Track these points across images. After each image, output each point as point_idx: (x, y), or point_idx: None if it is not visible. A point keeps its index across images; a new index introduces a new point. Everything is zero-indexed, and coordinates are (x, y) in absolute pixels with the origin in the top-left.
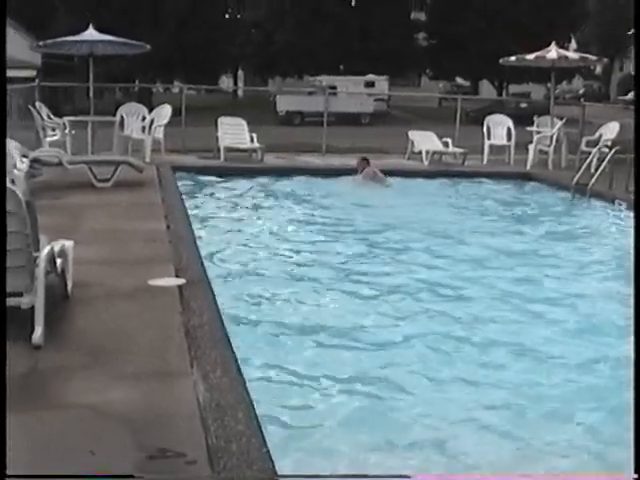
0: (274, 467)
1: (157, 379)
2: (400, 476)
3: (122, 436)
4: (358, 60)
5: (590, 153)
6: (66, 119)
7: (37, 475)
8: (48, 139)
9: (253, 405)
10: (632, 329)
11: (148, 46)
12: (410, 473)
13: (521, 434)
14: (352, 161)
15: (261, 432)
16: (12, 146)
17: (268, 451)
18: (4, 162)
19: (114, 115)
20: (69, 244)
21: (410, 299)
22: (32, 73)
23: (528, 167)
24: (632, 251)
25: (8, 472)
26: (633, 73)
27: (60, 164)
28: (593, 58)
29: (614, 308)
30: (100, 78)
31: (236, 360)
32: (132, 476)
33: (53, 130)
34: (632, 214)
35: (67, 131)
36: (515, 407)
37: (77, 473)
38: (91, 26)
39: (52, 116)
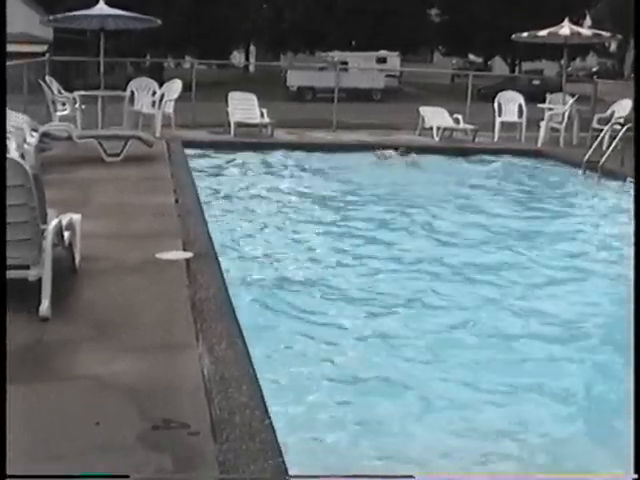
0: (276, 439)
1: (163, 352)
2: (404, 476)
3: (127, 407)
4: (370, 36)
5: (602, 131)
6: (76, 93)
7: (37, 475)
8: (58, 113)
9: (257, 378)
10: (632, 329)
11: (159, 21)
12: (414, 473)
13: None
14: (363, 137)
15: (264, 404)
16: (22, 120)
17: (271, 423)
18: (4, 158)
19: (124, 90)
20: (77, 217)
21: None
22: (43, 48)
23: (539, 144)
24: (632, 250)
25: (8, 471)
26: (633, 74)
27: (70, 138)
28: (606, 35)
29: (620, 285)
30: (111, 53)
31: (241, 333)
32: (127, 476)
33: (63, 104)
34: None
35: (77, 105)
36: None
37: (82, 445)
38: (102, 0)
39: (62, 91)
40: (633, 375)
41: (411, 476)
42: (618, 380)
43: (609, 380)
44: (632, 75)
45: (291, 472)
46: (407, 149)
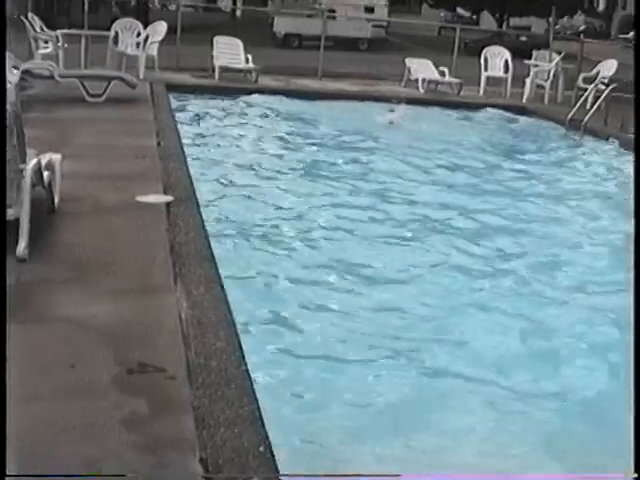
0: (252, 385)
1: (140, 295)
2: (390, 475)
3: (103, 350)
4: None
5: (587, 90)
6: (59, 32)
7: (37, 475)
8: (40, 51)
9: (234, 323)
10: (632, 329)
11: None
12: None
13: None
14: (348, 87)
15: (241, 350)
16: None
17: (247, 369)
18: (4, 154)
19: (109, 30)
20: (57, 157)
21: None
22: None
23: (524, 100)
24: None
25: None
26: (633, 75)
27: (52, 77)
28: None
29: (593, 236)
30: None
31: (220, 278)
32: (123, 475)
33: (46, 43)
34: (624, 151)
35: (60, 44)
36: None
37: (56, 387)
38: None
39: (45, 28)
40: (633, 375)
41: (397, 475)
42: None
43: None
44: (619, 35)
45: None
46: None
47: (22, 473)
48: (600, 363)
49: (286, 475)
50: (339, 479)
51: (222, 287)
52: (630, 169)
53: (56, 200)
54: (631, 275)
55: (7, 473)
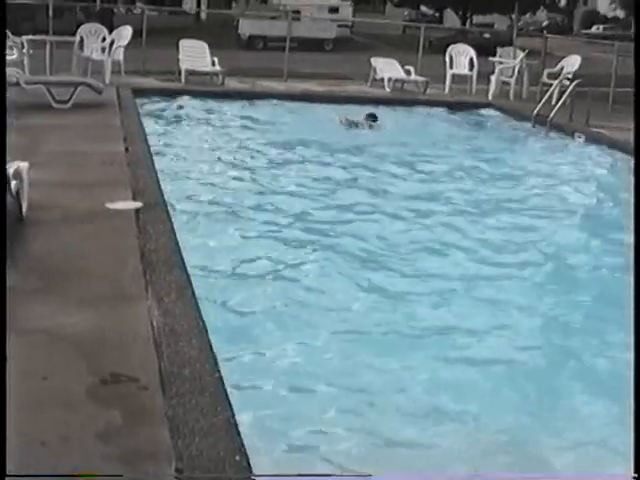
0: (226, 393)
1: (112, 303)
2: (361, 475)
3: (75, 361)
4: None
5: (551, 85)
6: (24, 38)
7: (37, 475)
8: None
9: (207, 330)
10: (632, 329)
11: None
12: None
13: None
14: (314, 87)
15: (214, 357)
16: None
17: (221, 376)
18: (4, 154)
19: (74, 35)
20: (24, 165)
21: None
22: None
23: (490, 97)
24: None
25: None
26: (633, 73)
27: (17, 84)
28: None
29: (559, 229)
30: None
31: (191, 285)
32: (120, 475)
33: (11, 49)
34: (591, 147)
35: (25, 50)
36: None
37: (28, 400)
38: None
39: (10, 34)
40: (633, 375)
41: (369, 475)
42: None
43: None
44: (582, 31)
45: None
46: (373, 116)
47: (22, 473)
48: None
49: (259, 475)
50: (310, 479)
51: (193, 294)
52: (596, 163)
53: (24, 208)
54: (631, 276)
55: (7, 473)
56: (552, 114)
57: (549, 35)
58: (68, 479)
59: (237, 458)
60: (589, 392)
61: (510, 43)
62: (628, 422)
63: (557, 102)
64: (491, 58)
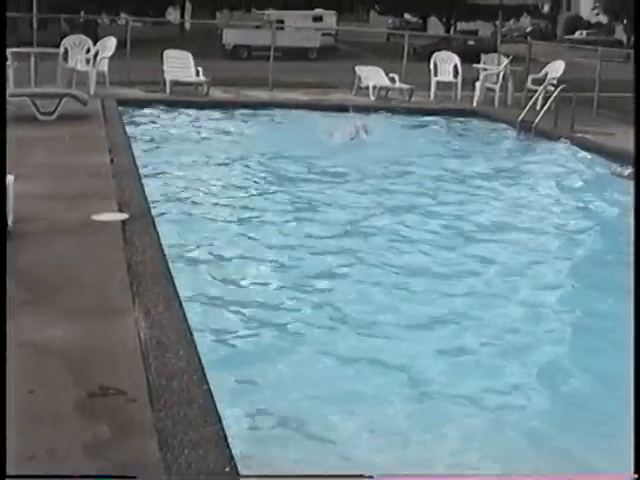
0: (215, 405)
1: (99, 316)
2: (363, 476)
3: (63, 374)
4: None
5: (536, 91)
6: (8, 50)
7: (37, 475)
8: None
9: (194, 342)
10: (632, 330)
11: None
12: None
13: None
14: (299, 96)
15: (202, 369)
16: None
17: (209, 388)
18: (4, 154)
19: (58, 47)
20: (10, 178)
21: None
22: None
23: (474, 104)
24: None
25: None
26: (633, 75)
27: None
28: None
29: (547, 238)
30: (44, 9)
31: (178, 296)
32: (135, 477)
33: None
34: (578, 154)
35: (9, 62)
36: None
37: (15, 414)
38: None
39: None
40: (633, 375)
41: (371, 476)
42: None
43: None
44: (565, 36)
45: None
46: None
47: (22, 473)
48: None
49: (247, 476)
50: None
51: (181, 305)
52: (582, 168)
53: (10, 221)
54: (631, 277)
55: (7, 473)
56: (537, 120)
57: (533, 41)
58: (69, 479)
59: (226, 470)
60: None
61: (494, 50)
62: None
63: (542, 108)
64: (475, 65)
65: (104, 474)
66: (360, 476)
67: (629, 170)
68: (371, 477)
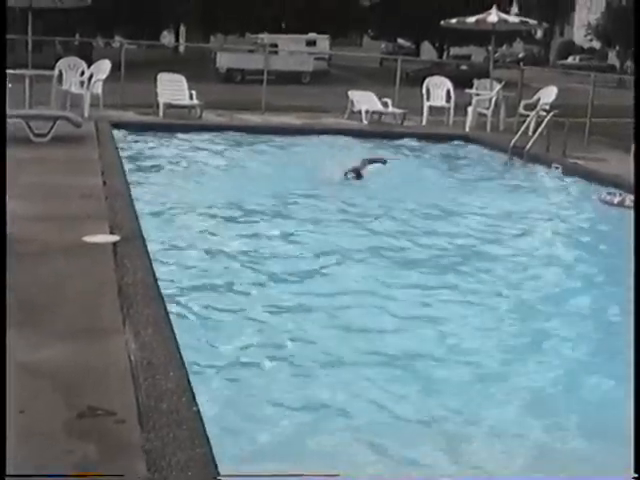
0: (204, 426)
1: (89, 337)
2: (328, 475)
3: (52, 394)
4: (300, 18)
5: (528, 116)
6: None
7: (37, 475)
8: None
9: (184, 363)
10: (632, 330)
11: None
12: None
13: None
14: (292, 120)
15: (191, 391)
16: None
17: (198, 410)
18: (4, 153)
19: (53, 69)
20: None
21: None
22: None
23: (467, 129)
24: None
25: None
26: (633, 74)
27: None
28: (533, 23)
29: (541, 265)
30: (39, 31)
31: (168, 318)
32: (122, 475)
33: None
34: (569, 179)
35: None
36: None
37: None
38: None
39: None
40: (633, 375)
41: (336, 475)
42: None
43: None
44: (558, 62)
45: None
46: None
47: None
48: None
49: (226, 475)
50: (278, 479)
51: (171, 327)
52: (574, 191)
53: None
54: (631, 278)
55: (7, 473)
56: (529, 145)
57: (526, 67)
58: (68, 479)
59: None
60: None
61: (487, 75)
62: None
63: (534, 133)
64: (468, 90)
65: (93, 473)
66: (326, 475)
67: (618, 198)
68: (336, 476)
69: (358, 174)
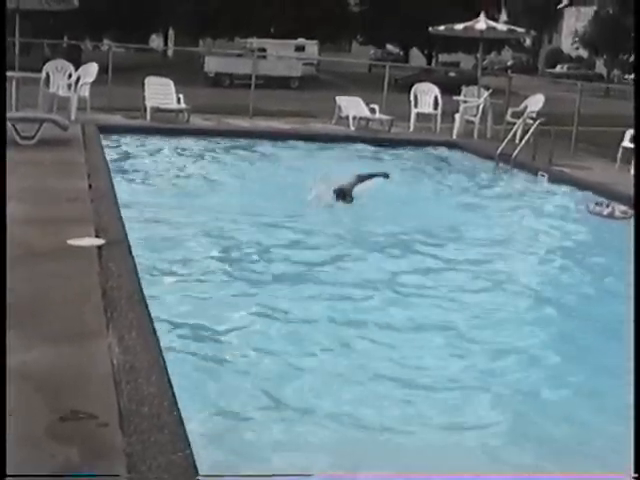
0: (185, 430)
1: (72, 341)
2: (301, 475)
3: (35, 398)
4: (289, 23)
5: (515, 124)
6: None
7: (37, 475)
8: None
9: (166, 368)
10: (632, 331)
11: (76, 2)
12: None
13: None
14: (279, 125)
15: (173, 395)
16: None
17: (179, 414)
18: (4, 152)
19: (40, 72)
20: None
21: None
22: None
23: (454, 136)
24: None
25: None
26: (633, 76)
27: None
28: (521, 30)
29: (526, 270)
30: (27, 33)
31: (152, 322)
32: (117, 475)
33: None
34: (555, 186)
35: None
36: None
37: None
38: None
39: None
40: (633, 375)
41: (309, 474)
42: None
43: None
44: (546, 70)
45: None
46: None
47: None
48: None
49: (205, 476)
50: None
51: (154, 331)
52: (559, 201)
53: None
54: (631, 280)
55: (7, 473)
56: (515, 153)
57: (514, 74)
58: (68, 479)
59: None
60: None
61: (475, 82)
62: None
63: (520, 141)
64: (456, 97)
65: (88, 473)
66: (299, 475)
67: (608, 210)
68: (310, 475)
69: (344, 195)
